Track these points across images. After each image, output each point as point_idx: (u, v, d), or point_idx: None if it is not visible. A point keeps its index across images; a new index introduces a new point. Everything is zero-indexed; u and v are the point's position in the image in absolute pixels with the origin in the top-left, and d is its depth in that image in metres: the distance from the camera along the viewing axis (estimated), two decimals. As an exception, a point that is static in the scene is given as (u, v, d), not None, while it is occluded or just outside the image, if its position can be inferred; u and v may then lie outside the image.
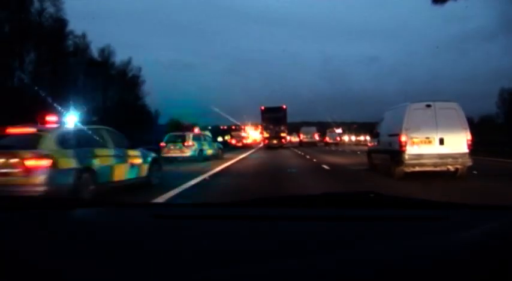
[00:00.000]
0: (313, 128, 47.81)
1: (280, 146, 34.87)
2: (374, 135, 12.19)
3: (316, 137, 46.91)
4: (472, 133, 9.46)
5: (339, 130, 58.66)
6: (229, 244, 1.07)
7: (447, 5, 2.09)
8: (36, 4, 34.48)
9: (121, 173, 7.68)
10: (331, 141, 49.77)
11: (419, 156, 9.23)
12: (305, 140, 43.77)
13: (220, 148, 21.46)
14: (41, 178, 5.81)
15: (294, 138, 49.30)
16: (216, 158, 19.19)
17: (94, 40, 45.37)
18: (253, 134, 52.67)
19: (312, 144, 42.72)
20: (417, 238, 0.92)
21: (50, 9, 35.29)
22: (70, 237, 1.17)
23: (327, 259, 0.79)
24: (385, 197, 1.54)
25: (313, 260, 0.78)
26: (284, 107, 37.98)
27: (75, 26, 39.10)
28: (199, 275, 0.78)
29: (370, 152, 12.68)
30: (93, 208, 1.64)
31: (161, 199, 6.72)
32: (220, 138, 38.49)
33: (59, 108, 8.64)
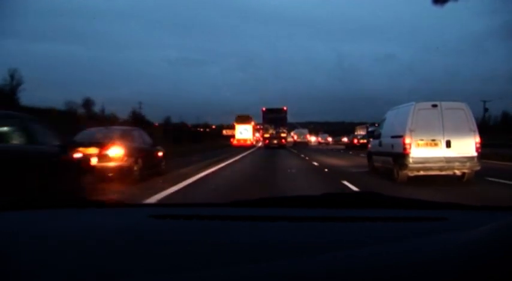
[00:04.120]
0: (305, 130, 57.73)
1: (280, 146, 36.48)
2: (375, 136, 11.73)
3: (308, 138, 56.50)
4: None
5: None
6: (226, 244, 1.09)
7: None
8: None
9: None
10: (322, 141, 63.28)
11: (425, 159, 9.01)
12: (298, 140, 51.98)
13: None
14: None
15: (288, 139, 52.38)
16: None
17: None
18: (243, 133, 45.45)
19: (304, 144, 50.82)
20: (416, 239, 0.94)
21: None
22: (67, 237, 1.20)
23: (327, 259, 0.79)
24: (384, 197, 1.59)
25: (313, 260, 0.78)
26: (285, 108, 40.23)
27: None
28: (196, 275, 0.79)
29: (370, 154, 12.23)
30: (90, 208, 1.66)
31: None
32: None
33: None
